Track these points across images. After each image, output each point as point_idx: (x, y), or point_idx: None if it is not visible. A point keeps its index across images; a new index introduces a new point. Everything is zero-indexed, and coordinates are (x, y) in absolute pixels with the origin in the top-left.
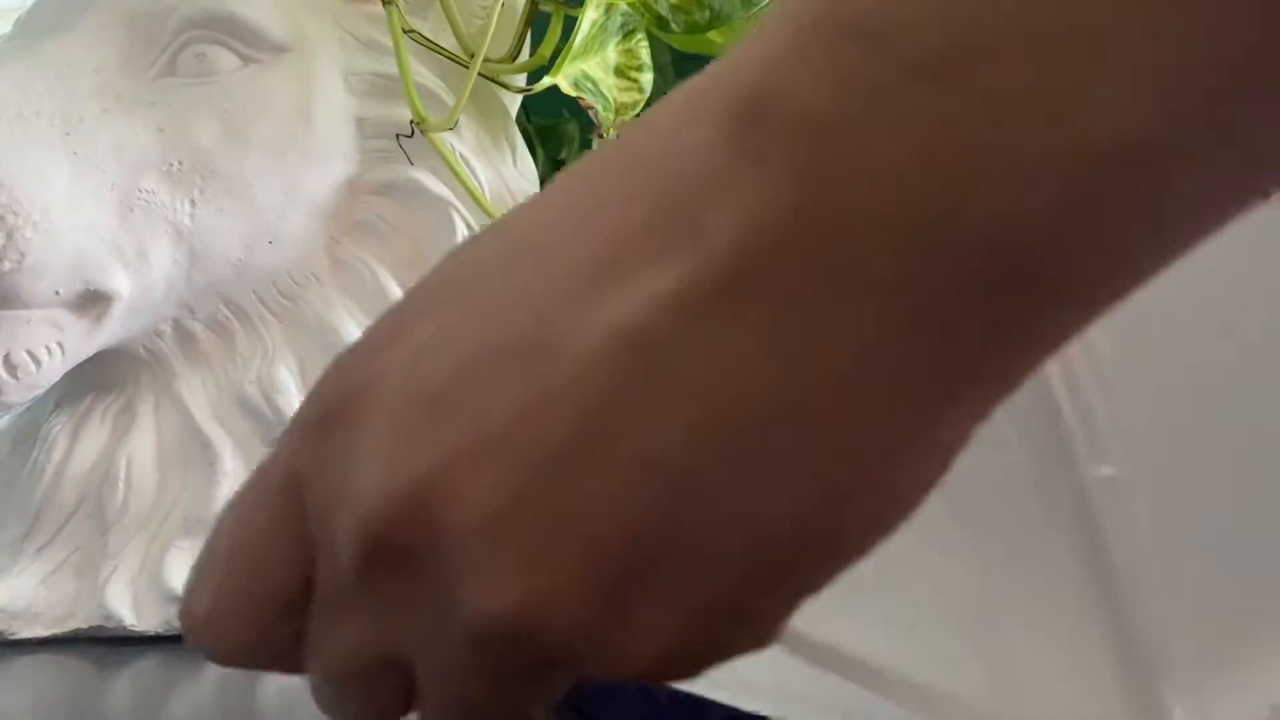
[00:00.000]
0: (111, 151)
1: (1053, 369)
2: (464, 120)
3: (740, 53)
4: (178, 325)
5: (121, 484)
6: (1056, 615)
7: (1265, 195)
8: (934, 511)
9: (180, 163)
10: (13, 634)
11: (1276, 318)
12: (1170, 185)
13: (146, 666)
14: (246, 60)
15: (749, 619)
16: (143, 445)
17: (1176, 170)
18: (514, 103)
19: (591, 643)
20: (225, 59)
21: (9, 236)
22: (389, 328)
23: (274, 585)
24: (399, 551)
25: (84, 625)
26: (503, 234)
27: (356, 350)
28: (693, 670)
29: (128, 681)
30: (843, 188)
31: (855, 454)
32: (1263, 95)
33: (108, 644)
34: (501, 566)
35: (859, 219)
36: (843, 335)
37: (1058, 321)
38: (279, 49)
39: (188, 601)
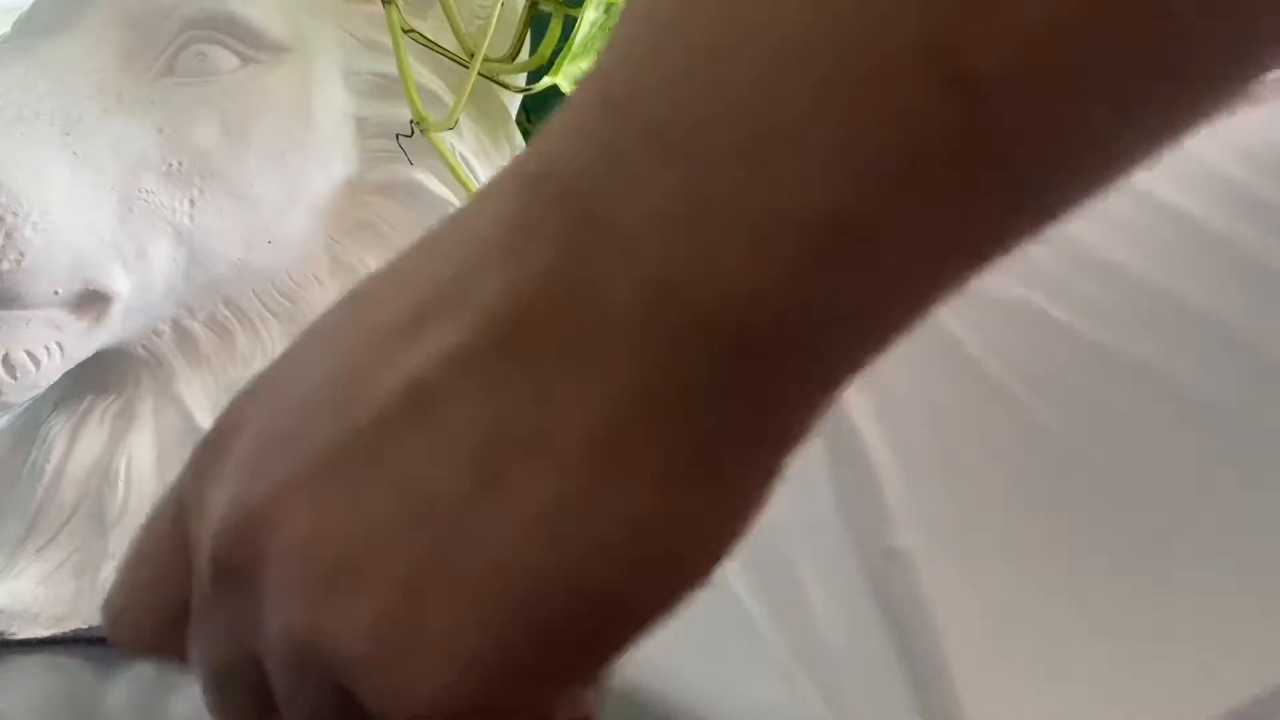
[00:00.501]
0: (111, 151)
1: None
2: (464, 120)
3: (544, 128)
4: (177, 325)
5: (121, 484)
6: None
7: (1001, 252)
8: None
9: (180, 163)
10: (12, 634)
11: (1070, 405)
12: (885, 249)
13: (145, 666)
14: (246, 60)
15: (528, 674)
16: (142, 445)
17: (884, 236)
18: (514, 102)
19: (368, 671)
20: (225, 59)
21: (8, 236)
22: (270, 367)
23: (166, 591)
24: (233, 569)
25: (83, 625)
26: (354, 290)
27: (244, 387)
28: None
29: (127, 682)
30: (594, 252)
31: (612, 511)
32: (934, 177)
33: (107, 644)
34: (298, 591)
35: (607, 283)
36: (589, 397)
37: (811, 378)
38: (279, 49)
39: (108, 597)
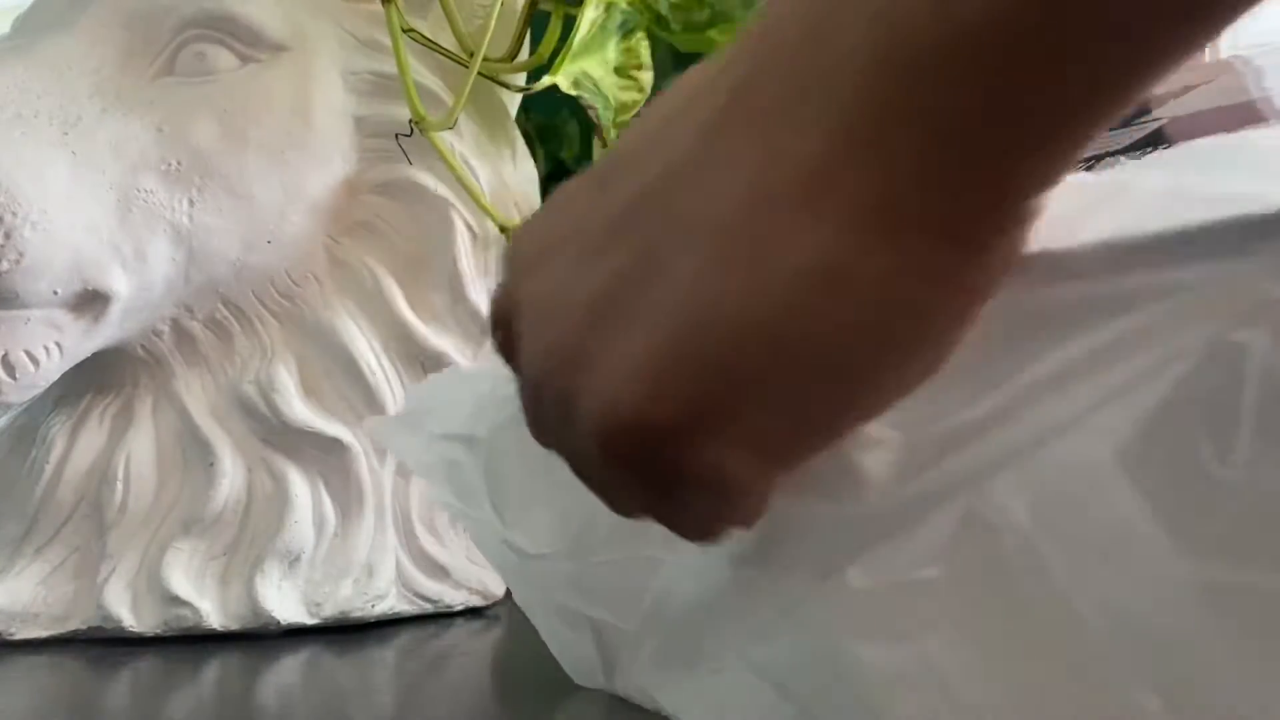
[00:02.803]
0: (110, 151)
1: None
2: (463, 119)
3: None
4: (176, 325)
5: (120, 484)
6: None
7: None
8: None
9: (179, 162)
10: (11, 635)
11: None
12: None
13: (145, 667)
14: (245, 59)
15: (726, 399)
16: (141, 445)
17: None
18: (514, 102)
19: (579, 392)
20: (224, 58)
21: (7, 236)
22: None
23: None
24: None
25: (82, 626)
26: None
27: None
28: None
29: (126, 683)
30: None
31: (805, 244)
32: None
33: (106, 645)
34: (534, 333)
35: (844, 22)
36: (809, 140)
37: (1028, 131)
38: (278, 48)
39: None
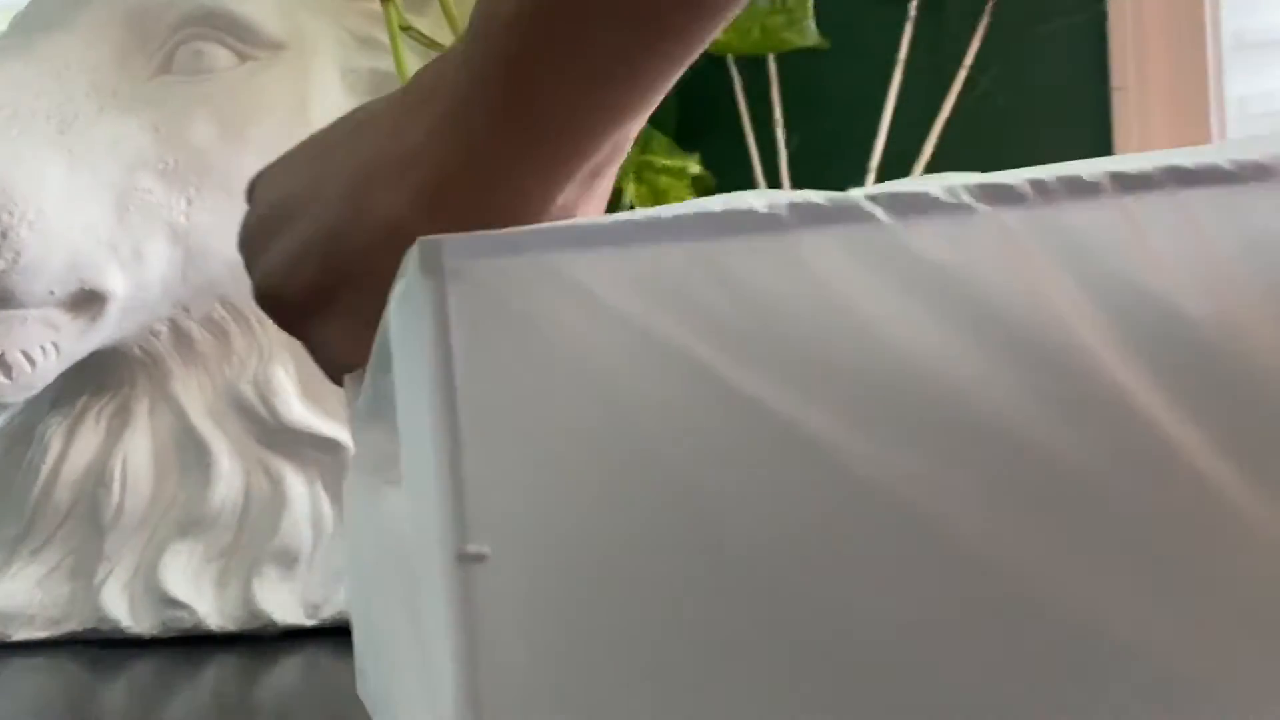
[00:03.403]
0: (107, 150)
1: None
2: None
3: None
4: (174, 325)
5: (117, 486)
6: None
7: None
8: None
9: (176, 161)
10: (8, 637)
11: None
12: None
13: (142, 669)
14: (243, 57)
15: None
16: (138, 446)
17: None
18: None
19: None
20: (222, 56)
21: (4, 235)
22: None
23: None
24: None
25: (79, 628)
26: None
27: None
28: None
29: (123, 684)
30: (454, 51)
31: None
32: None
33: (103, 647)
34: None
35: (453, 58)
36: (427, 114)
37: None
38: (276, 46)
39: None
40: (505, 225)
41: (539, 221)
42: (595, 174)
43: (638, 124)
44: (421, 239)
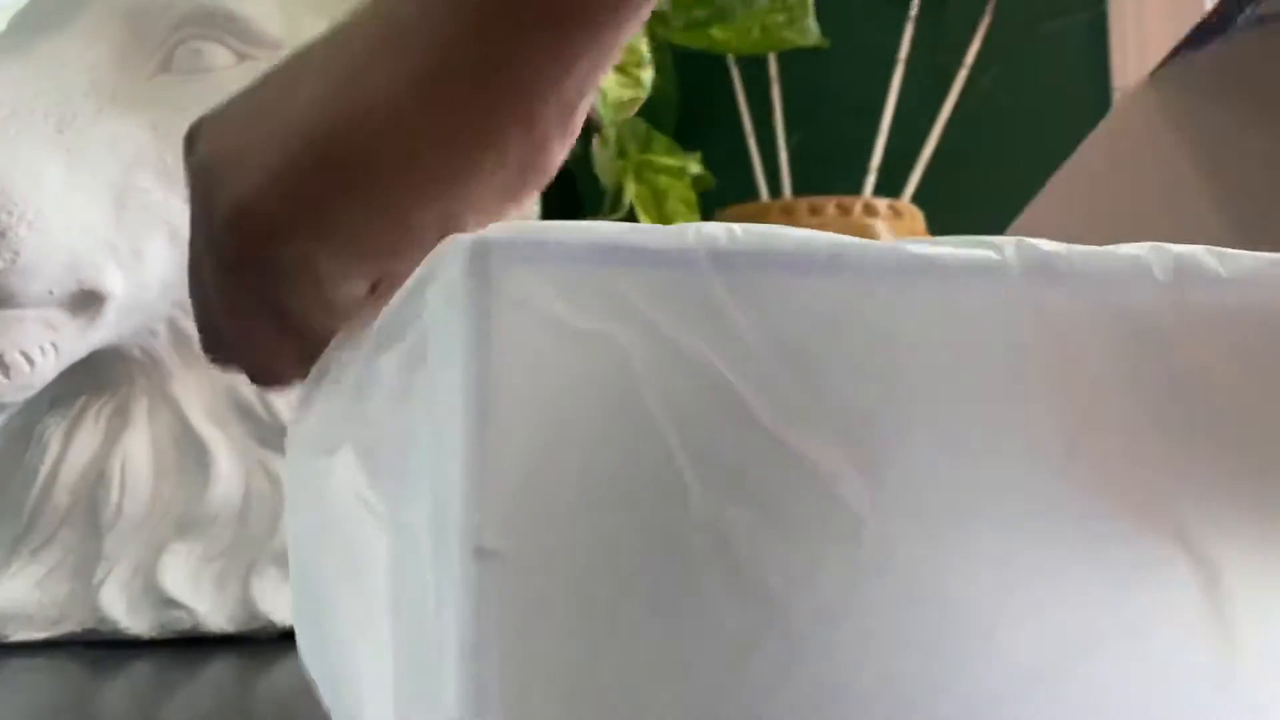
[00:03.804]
0: (106, 149)
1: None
2: None
3: None
4: (173, 325)
5: (116, 486)
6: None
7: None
8: None
9: (175, 160)
10: (6, 637)
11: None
12: None
13: (141, 670)
14: (242, 56)
15: (305, 193)
16: (137, 446)
17: None
18: None
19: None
20: (221, 55)
21: (2, 235)
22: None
23: None
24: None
25: (78, 628)
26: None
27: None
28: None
29: (122, 685)
30: None
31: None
32: None
33: (102, 647)
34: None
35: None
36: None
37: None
38: (275, 45)
39: None
40: (501, 121)
41: (536, 120)
42: (569, 110)
43: (610, 58)
44: (473, 240)
